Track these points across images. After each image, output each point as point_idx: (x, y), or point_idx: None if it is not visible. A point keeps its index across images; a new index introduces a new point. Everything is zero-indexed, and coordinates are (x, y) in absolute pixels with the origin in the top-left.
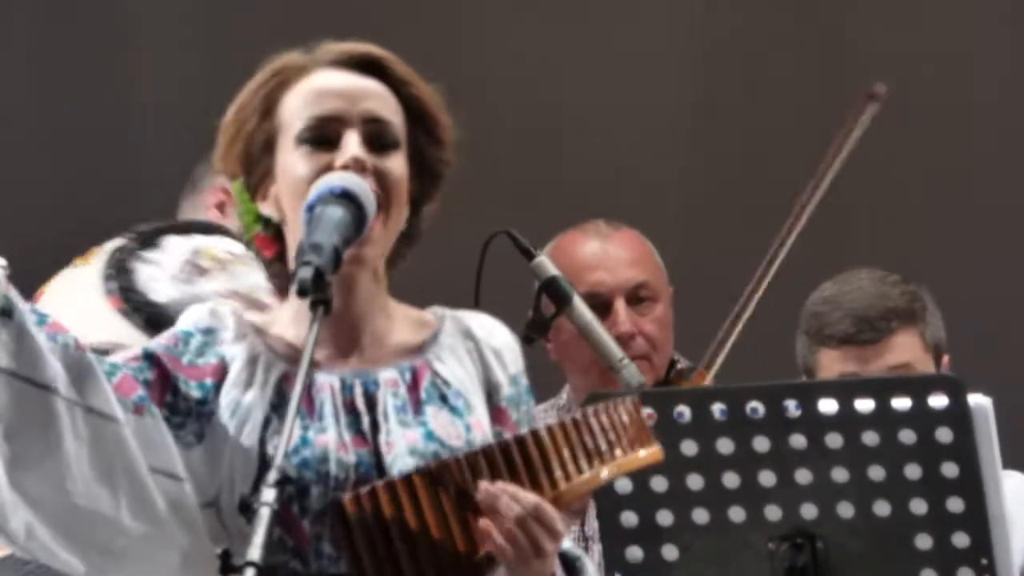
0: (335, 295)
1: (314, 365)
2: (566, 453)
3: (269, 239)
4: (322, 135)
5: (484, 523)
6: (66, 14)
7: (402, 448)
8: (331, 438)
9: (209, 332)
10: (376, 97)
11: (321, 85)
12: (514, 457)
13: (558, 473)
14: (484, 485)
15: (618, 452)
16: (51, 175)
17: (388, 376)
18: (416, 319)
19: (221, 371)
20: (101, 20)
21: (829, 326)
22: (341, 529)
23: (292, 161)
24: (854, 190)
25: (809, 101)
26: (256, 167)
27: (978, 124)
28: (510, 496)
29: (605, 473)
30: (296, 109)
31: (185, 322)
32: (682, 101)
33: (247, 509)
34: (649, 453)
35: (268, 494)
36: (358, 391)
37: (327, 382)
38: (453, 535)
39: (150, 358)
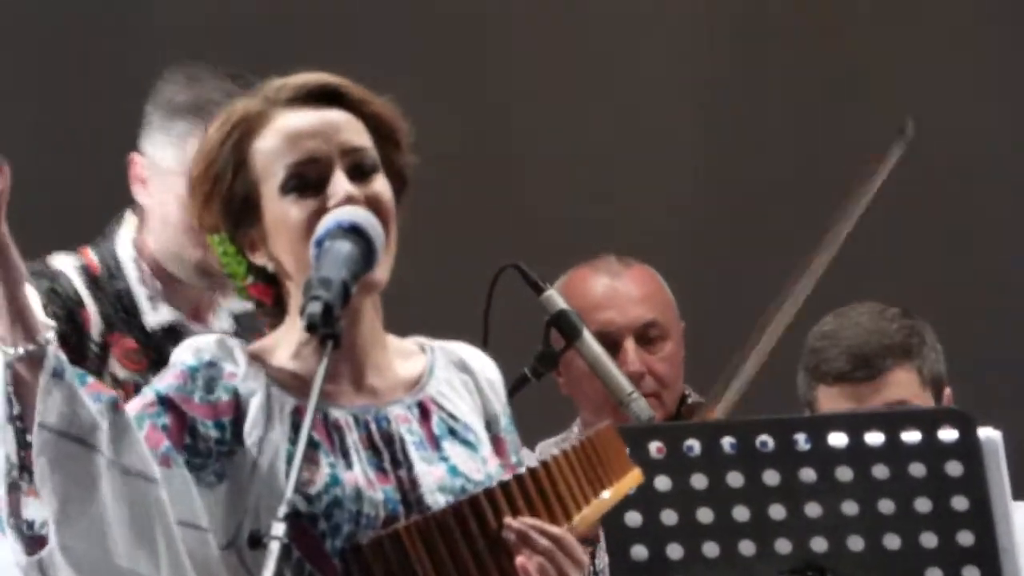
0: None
1: (324, 398)
2: (573, 482)
3: (264, 287)
4: (306, 180)
5: (520, 560)
6: (81, 25)
7: (431, 484)
8: (359, 475)
9: (212, 365)
10: (346, 126)
11: (290, 128)
12: (530, 490)
13: (570, 503)
14: (509, 521)
15: (613, 479)
16: (55, 179)
17: (397, 412)
18: (404, 349)
19: (235, 407)
20: (126, 31)
21: (826, 363)
22: (363, 573)
23: (282, 211)
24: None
25: (821, 138)
26: (241, 222)
27: (986, 146)
28: (537, 530)
29: (607, 495)
30: (271, 157)
31: (187, 355)
32: (693, 134)
33: (257, 543)
34: (632, 477)
35: (278, 528)
36: (373, 427)
37: (341, 417)
38: (479, 572)
39: (164, 402)
